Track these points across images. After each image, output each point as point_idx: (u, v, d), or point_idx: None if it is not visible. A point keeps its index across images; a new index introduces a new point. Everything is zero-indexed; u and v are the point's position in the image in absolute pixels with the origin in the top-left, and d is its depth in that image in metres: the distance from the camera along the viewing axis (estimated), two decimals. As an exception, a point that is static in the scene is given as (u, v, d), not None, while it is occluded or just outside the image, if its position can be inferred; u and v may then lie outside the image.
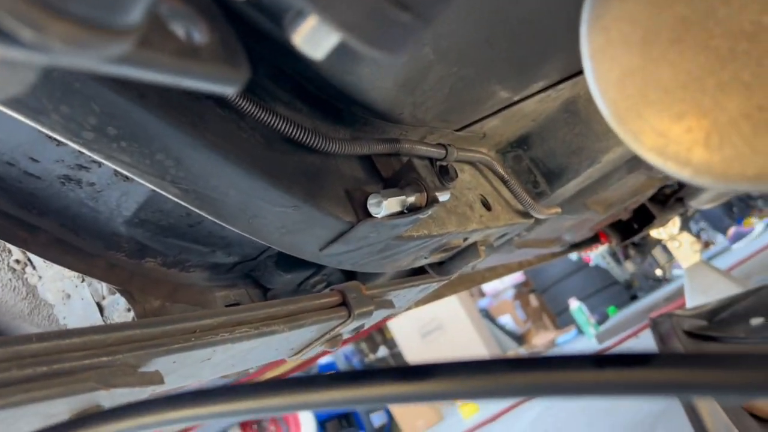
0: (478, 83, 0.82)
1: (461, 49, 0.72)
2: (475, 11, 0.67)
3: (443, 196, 0.78)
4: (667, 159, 0.36)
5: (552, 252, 2.42)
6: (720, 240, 6.88)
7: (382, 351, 8.07)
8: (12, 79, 0.23)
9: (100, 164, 0.74)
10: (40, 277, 0.86)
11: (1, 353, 0.48)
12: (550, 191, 1.13)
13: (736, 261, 4.89)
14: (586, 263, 7.48)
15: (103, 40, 0.22)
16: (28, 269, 0.86)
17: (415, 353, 7.22)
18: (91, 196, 0.77)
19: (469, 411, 5.15)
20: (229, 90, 0.29)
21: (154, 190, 0.76)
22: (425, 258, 0.98)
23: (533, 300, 8.57)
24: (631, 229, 2.64)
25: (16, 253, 0.86)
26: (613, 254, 7.16)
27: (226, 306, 0.94)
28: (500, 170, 1.06)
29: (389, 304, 0.97)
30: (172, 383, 0.72)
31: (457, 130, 0.95)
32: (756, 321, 2.16)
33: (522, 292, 8.60)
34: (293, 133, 0.67)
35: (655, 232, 3.25)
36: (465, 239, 0.99)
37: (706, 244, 7.01)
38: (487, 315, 8.05)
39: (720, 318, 2.34)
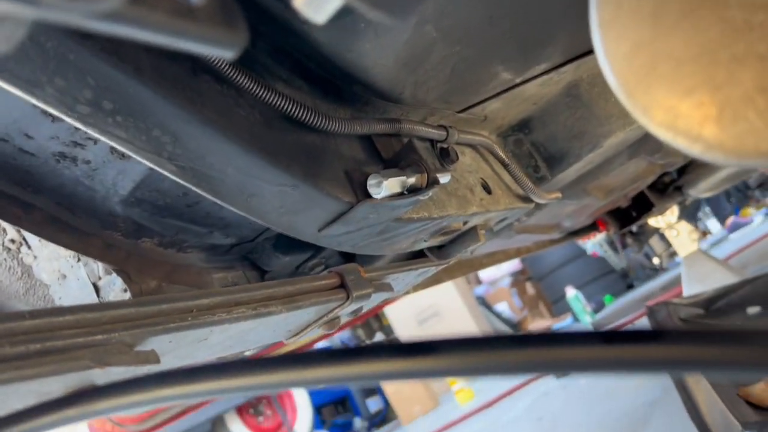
0: (481, 63, 0.81)
1: (464, 28, 0.71)
2: (479, -12, 0.66)
3: (444, 178, 0.77)
4: (677, 134, 0.35)
5: (551, 238, 2.41)
6: (717, 229, 6.89)
7: (379, 337, 8.09)
8: (-2, 34, 0.22)
9: (96, 141, 0.73)
10: (35, 257, 0.85)
11: (-7, 329, 0.47)
12: (550, 176, 1.12)
13: (734, 250, 4.90)
14: (583, 251, 7.49)
15: (93, -8, 0.21)
16: (23, 249, 0.85)
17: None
18: (86, 174, 0.76)
19: (465, 397, 5.17)
20: (226, 54, 0.28)
21: (151, 169, 0.76)
22: (425, 241, 0.97)
23: (530, 288, 8.59)
24: (629, 216, 2.63)
25: (11, 232, 0.85)
26: (611, 243, 7.17)
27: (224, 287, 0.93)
28: (501, 154, 1.05)
29: (388, 287, 0.96)
30: (169, 363, 0.71)
31: (459, 112, 0.94)
32: (752, 310, 2.16)
33: (519, 279, 8.62)
34: (292, 111, 0.66)
35: (653, 221, 3.24)
36: (465, 223, 0.98)
37: (704, 234, 7.02)
38: (484, 302, 8.06)
39: (717, 307, 2.35)
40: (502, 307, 8.21)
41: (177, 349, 0.64)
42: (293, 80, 0.71)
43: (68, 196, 0.78)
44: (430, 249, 1.08)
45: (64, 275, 0.84)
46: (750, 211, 6.38)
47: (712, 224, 7.05)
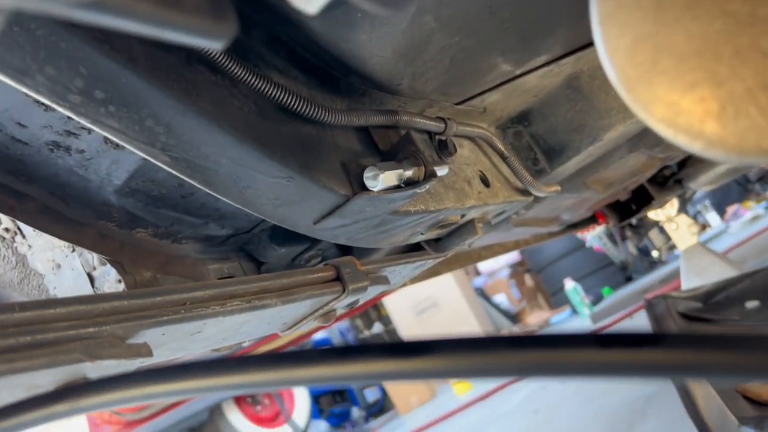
0: (480, 54, 0.80)
1: (463, 18, 0.70)
2: (479, -22, 0.65)
3: (441, 171, 0.77)
4: (677, 131, 0.35)
5: (549, 231, 2.41)
6: (717, 223, 6.90)
7: (377, 327, 8.11)
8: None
9: (89, 131, 0.72)
10: (29, 247, 0.84)
11: (-18, 322, 0.46)
12: (549, 169, 1.12)
13: (733, 244, 4.90)
14: (582, 243, 7.50)
15: (73, -20, 0.20)
16: (18, 238, 0.85)
17: (409, 330, 7.25)
18: (80, 164, 0.75)
19: (463, 388, 5.19)
20: (214, 45, 0.27)
21: (145, 159, 0.75)
22: (422, 234, 0.96)
23: (528, 280, 8.59)
24: (629, 209, 2.62)
25: (6, 221, 0.84)
26: (610, 235, 7.17)
27: (219, 279, 0.93)
28: (500, 146, 1.04)
29: (384, 280, 0.95)
30: (162, 356, 0.71)
31: (457, 104, 0.93)
32: (751, 304, 2.16)
33: (518, 271, 8.62)
34: (288, 102, 0.65)
35: (652, 214, 3.24)
36: (462, 216, 0.97)
37: (703, 227, 7.02)
38: (482, 294, 8.07)
39: (715, 300, 2.34)
40: (501, 298, 8.23)
41: (170, 341, 0.64)
42: (289, 70, 0.70)
43: (62, 185, 0.77)
44: (427, 242, 1.08)
45: (59, 265, 0.83)
46: (750, 204, 6.38)
47: (712, 218, 7.05)
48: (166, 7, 0.24)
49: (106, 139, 0.72)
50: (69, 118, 0.69)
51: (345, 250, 1.09)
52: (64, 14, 0.22)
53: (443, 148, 0.85)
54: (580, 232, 3.24)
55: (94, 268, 0.81)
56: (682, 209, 3.25)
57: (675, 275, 3.80)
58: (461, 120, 0.96)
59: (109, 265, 0.80)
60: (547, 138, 1.11)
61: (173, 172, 0.62)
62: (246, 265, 1.00)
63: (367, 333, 8.29)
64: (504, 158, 1.06)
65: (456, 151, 0.86)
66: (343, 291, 0.82)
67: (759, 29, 0.32)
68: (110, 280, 0.80)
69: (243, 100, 0.64)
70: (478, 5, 0.69)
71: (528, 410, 2.91)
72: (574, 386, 2.89)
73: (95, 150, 0.74)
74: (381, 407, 7.66)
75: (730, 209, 6.44)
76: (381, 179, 0.70)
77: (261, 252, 0.98)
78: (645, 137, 1.45)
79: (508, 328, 7.75)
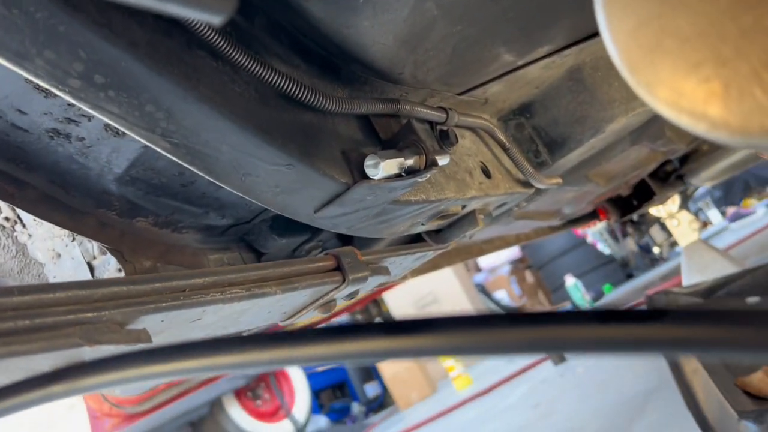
0: (482, 44, 0.80)
1: (465, 6, 0.69)
2: (481, -35, 0.65)
3: (442, 160, 0.76)
4: (681, 112, 0.34)
5: (550, 226, 2.40)
6: (718, 220, 6.89)
7: (378, 323, 8.10)
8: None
9: (90, 118, 0.72)
10: (29, 236, 0.84)
11: (-20, 305, 0.46)
12: (551, 161, 1.11)
13: (734, 241, 4.89)
14: (583, 240, 7.49)
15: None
16: (18, 227, 0.85)
17: (410, 326, 7.23)
18: (80, 152, 0.75)
19: (463, 383, 5.19)
20: (213, 19, 0.27)
21: (145, 147, 0.75)
22: (422, 224, 0.96)
23: (529, 276, 8.59)
24: (630, 205, 2.62)
25: (6, 210, 0.84)
26: (611, 232, 7.17)
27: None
28: (501, 138, 1.04)
29: (385, 271, 0.95)
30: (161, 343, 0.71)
31: (459, 94, 0.93)
32: (752, 300, 2.16)
33: (518, 268, 8.62)
34: (289, 89, 0.64)
35: (654, 210, 3.23)
36: (463, 207, 0.97)
37: (704, 224, 7.02)
38: (483, 290, 8.07)
39: (716, 296, 2.34)
40: (501, 294, 8.23)
41: (169, 328, 0.64)
42: (290, 58, 0.70)
43: (62, 173, 0.77)
44: (427, 233, 1.08)
45: (59, 254, 0.83)
46: (751, 201, 6.37)
47: (713, 215, 7.04)
48: (165, -23, 0.24)
49: (106, 127, 0.72)
50: (69, 105, 0.69)
51: (346, 241, 1.09)
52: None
53: (444, 138, 0.84)
54: (582, 228, 3.23)
55: (94, 257, 0.81)
56: (684, 206, 3.24)
57: (676, 272, 3.80)
58: (463, 110, 0.96)
59: (109, 254, 0.80)
60: (548, 130, 1.10)
61: (173, 158, 0.61)
62: (246, 256, 1.00)
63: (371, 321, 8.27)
64: (505, 150, 1.05)
65: (457, 141, 0.86)
66: (343, 281, 0.82)
67: (764, 8, 0.32)
68: (110, 269, 0.80)
69: (244, 86, 0.63)
70: (481, -7, 0.69)
71: (528, 405, 2.91)
72: (574, 380, 2.89)
73: (95, 137, 0.73)
74: (381, 403, 7.67)
75: (730, 210, 6.43)
76: (382, 167, 0.70)
77: (261, 242, 0.98)
78: (647, 130, 1.45)
79: (508, 325, 7.72)
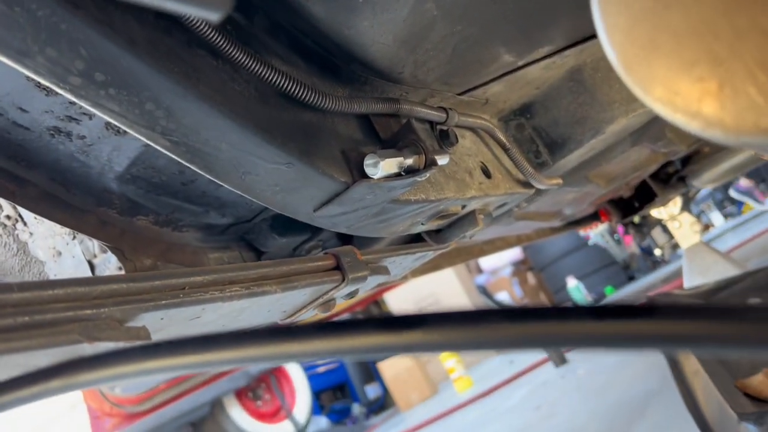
0: (483, 44, 0.80)
1: (466, 6, 0.70)
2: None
3: (442, 160, 0.76)
4: (676, 110, 0.35)
5: (551, 227, 2.41)
6: (720, 222, 6.88)
7: (379, 324, 8.10)
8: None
9: (91, 117, 0.72)
10: (31, 234, 0.85)
11: (-20, 301, 0.47)
12: (552, 161, 1.11)
13: (736, 243, 4.88)
14: (584, 242, 7.50)
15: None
16: (19, 225, 0.85)
17: (411, 327, 7.23)
18: (81, 150, 0.75)
19: (464, 385, 5.19)
20: (211, 16, 0.27)
21: (146, 146, 0.75)
22: (422, 224, 0.96)
23: (531, 278, 8.59)
24: (631, 206, 2.62)
25: (7, 208, 0.84)
26: (613, 233, 7.17)
27: (219, 267, 0.93)
28: (502, 138, 1.04)
29: (384, 270, 0.95)
30: (161, 341, 0.71)
31: (459, 94, 0.93)
32: (753, 302, 2.15)
33: (520, 269, 8.62)
34: (289, 88, 0.65)
35: (655, 212, 3.23)
36: (463, 206, 0.97)
37: (706, 227, 7.01)
38: (485, 291, 8.07)
39: (717, 299, 2.34)
40: (503, 296, 8.22)
41: (169, 326, 0.64)
42: (290, 57, 0.70)
43: (63, 171, 0.77)
44: (427, 233, 1.08)
45: (60, 252, 0.83)
46: (752, 205, 6.36)
47: (715, 217, 7.04)
48: (162, -27, 0.24)
49: (107, 125, 0.72)
50: (70, 103, 0.69)
51: (345, 240, 1.09)
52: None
53: (444, 138, 0.85)
54: (583, 230, 3.23)
55: (95, 256, 0.81)
56: (686, 208, 3.24)
57: (678, 274, 3.79)
58: (463, 110, 0.96)
59: (109, 252, 0.80)
60: (549, 130, 1.11)
61: (173, 156, 0.62)
62: (246, 255, 1.01)
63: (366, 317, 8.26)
64: (506, 150, 1.06)
65: (457, 141, 0.86)
66: (343, 280, 0.82)
67: (758, 7, 0.32)
68: (111, 268, 0.80)
69: (244, 85, 0.64)
70: (480, -7, 0.69)
71: (529, 407, 2.91)
72: (575, 382, 2.89)
73: (96, 136, 0.74)
74: (382, 404, 7.66)
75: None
76: (381, 167, 0.70)
77: (261, 241, 0.98)
78: (648, 131, 1.45)
79: (509, 326, 7.72)
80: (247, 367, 0.31)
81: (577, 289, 6.59)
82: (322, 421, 7.08)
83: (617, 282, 7.47)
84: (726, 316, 0.24)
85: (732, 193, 6.15)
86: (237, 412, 4.72)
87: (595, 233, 6.80)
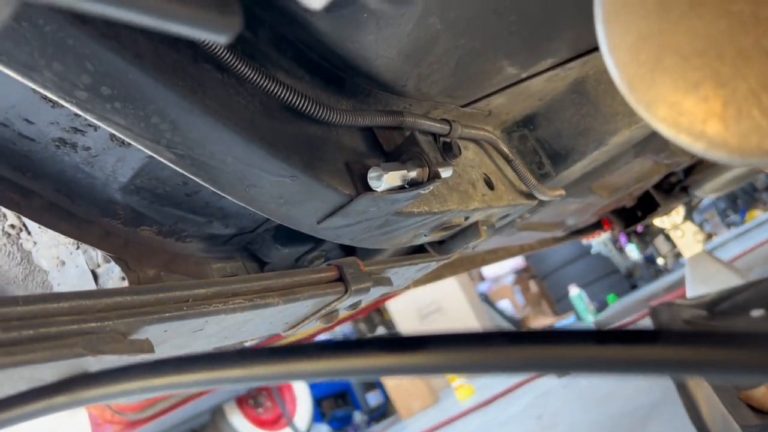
0: (486, 57, 0.80)
1: (469, 19, 0.70)
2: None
3: (445, 172, 0.77)
4: (680, 131, 0.35)
5: (554, 236, 2.40)
6: (723, 231, 6.87)
7: (381, 331, 8.10)
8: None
9: (96, 128, 0.72)
10: (34, 243, 0.85)
11: (-15, 315, 0.47)
12: (554, 173, 1.12)
13: (739, 252, 4.87)
14: (587, 250, 7.49)
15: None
16: (23, 234, 0.85)
17: (413, 335, 7.21)
18: (86, 161, 0.76)
19: (465, 394, 5.18)
20: (219, 39, 0.27)
21: (150, 157, 0.75)
22: (425, 236, 0.96)
23: (533, 286, 8.58)
24: (634, 216, 2.62)
25: (11, 218, 0.84)
26: (615, 241, 7.16)
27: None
28: (505, 149, 1.04)
29: (387, 282, 0.95)
30: (164, 353, 0.71)
31: (463, 107, 0.93)
32: (756, 313, 2.15)
33: (522, 277, 8.62)
34: (293, 101, 0.65)
35: (658, 221, 3.23)
36: (466, 218, 0.97)
37: (709, 236, 7.00)
38: (487, 299, 8.07)
39: (720, 309, 2.33)
40: (505, 304, 8.21)
41: (172, 339, 0.64)
42: (295, 70, 0.70)
43: (68, 182, 0.78)
44: (430, 244, 1.08)
45: (63, 262, 0.84)
46: (756, 213, 6.35)
47: (717, 226, 7.03)
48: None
49: (112, 137, 0.73)
50: (76, 114, 0.70)
51: (348, 251, 1.09)
52: (71, 6, 0.22)
53: (448, 150, 0.85)
54: (585, 239, 3.23)
55: (98, 266, 0.82)
56: (688, 217, 3.24)
57: (680, 283, 3.79)
58: (466, 122, 0.96)
59: (113, 263, 0.80)
60: (552, 142, 1.11)
61: (178, 169, 0.62)
62: (249, 265, 1.01)
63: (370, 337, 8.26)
64: (509, 161, 1.06)
65: (460, 153, 0.86)
66: (346, 291, 0.83)
67: (762, 29, 0.32)
68: (114, 278, 0.81)
69: (249, 98, 0.64)
70: (484, 7, 0.70)
71: (531, 416, 2.90)
72: (577, 392, 2.88)
73: (101, 147, 0.74)
74: (383, 412, 7.65)
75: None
76: (384, 179, 0.70)
77: (264, 252, 0.99)
78: (651, 142, 1.45)
79: (511, 334, 7.70)
80: (253, 385, 0.31)
81: (579, 298, 6.57)
82: (323, 428, 7.07)
83: (620, 290, 7.45)
84: (729, 342, 0.24)
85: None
86: (238, 420, 4.71)
87: (598, 242, 6.79)
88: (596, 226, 2.69)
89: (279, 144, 0.64)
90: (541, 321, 7.88)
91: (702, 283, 2.93)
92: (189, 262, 0.91)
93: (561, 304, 7.98)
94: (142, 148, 0.59)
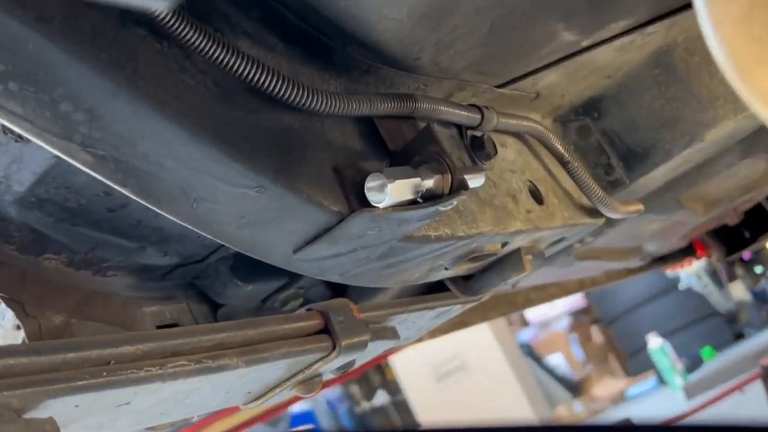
0: (532, 18, 0.81)
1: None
2: None
3: (475, 181, 0.77)
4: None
5: (627, 267, 2.40)
6: None
7: (381, 397, 8.09)
8: None
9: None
10: None
11: None
12: (628, 180, 1.12)
13: None
14: (673, 285, 7.49)
15: None
16: None
17: (427, 403, 7.23)
18: (-34, 163, 0.76)
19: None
20: (157, 4, 0.27)
21: (58, 158, 0.75)
22: (446, 269, 0.96)
23: (596, 334, 8.57)
24: (740, 238, 2.62)
25: None
26: (713, 273, 7.15)
27: (158, 327, 0.93)
28: (558, 147, 1.05)
29: (392, 333, 0.95)
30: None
31: (499, 87, 0.94)
32: None
33: (581, 322, 8.61)
34: (261, 81, 0.65)
35: (773, 245, 3.24)
36: (504, 244, 0.97)
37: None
38: (531, 353, 8.06)
39: None
40: (557, 359, 8.20)
41: (86, 416, 0.64)
42: (264, 37, 0.71)
43: (-61, 191, 0.78)
44: (453, 280, 1.08)
45: (-65, 304, 0.84)
46: None
47: None
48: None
49: (4, 130, 0.73)
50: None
51: (337, 289, 1.09)
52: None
53: (478, 149, 0.85)
54: (671, 269, 3.23)
55: (-18, 310, 0.82)
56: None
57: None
58: (505, 109, 0.97)
59: (4, 305, 0.80)
60: (624, 136, 1.11)
61: (98, 176, 0.62)
62: (196, 308, 1.01)
63: (366, 405, 8.27)
64: (564, 164, 1.06)
65: (496, 152, 0.86)
66: (333, 348, 0.82)
67: None
68: (6, 327, 0.81)
69: (198, 77, 0.64)
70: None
71: None
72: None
73: (-11, 144, 0.74)
74: None
75: None
76: (389, 191, 0.70)
77: (218, 289, 0.99)
78: (764, 137, 1.45)
79: (566, 404, 7.70)
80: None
81: (662, 351, 6.57)
82: None
83: (719, 341, 7.45)
84: None
85: None
86: None
87: (688, 273, 6.79)
88: (686, 252, 2.69)
89: (240, 141, 0.65)
90: (609, 384, 7.86)
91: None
92: (112, 305, 0.91)
93: (636, 359, 7.97)
94: (46, 147, 0.59)
